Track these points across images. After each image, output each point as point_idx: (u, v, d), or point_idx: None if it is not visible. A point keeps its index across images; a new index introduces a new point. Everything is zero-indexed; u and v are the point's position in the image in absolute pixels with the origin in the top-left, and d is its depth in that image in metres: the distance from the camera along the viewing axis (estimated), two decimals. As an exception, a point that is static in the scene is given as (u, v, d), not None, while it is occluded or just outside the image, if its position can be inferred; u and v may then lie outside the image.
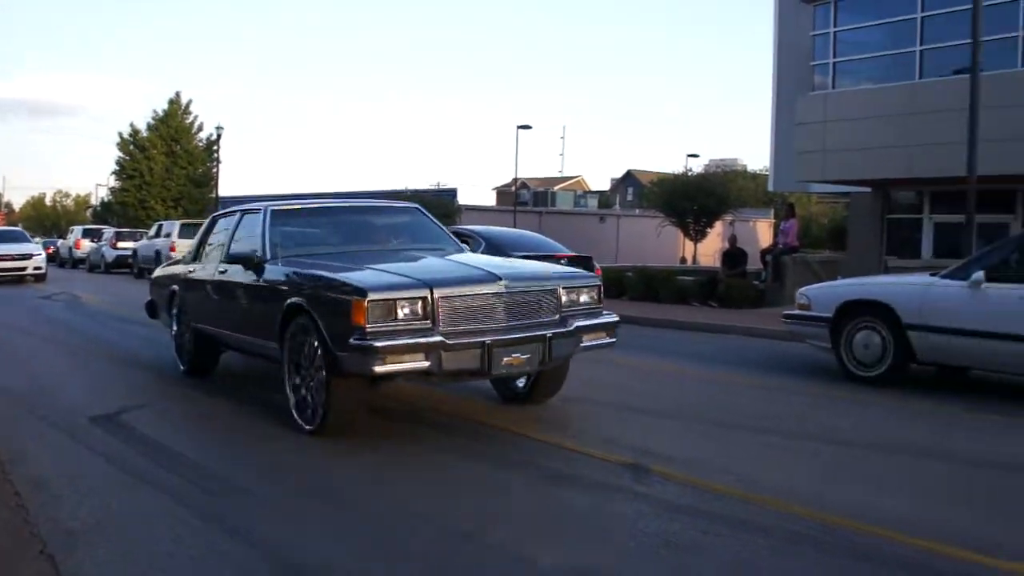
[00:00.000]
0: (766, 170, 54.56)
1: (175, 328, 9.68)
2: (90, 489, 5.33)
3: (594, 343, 6.91)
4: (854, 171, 19.85)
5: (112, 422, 7.15)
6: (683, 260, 39.21)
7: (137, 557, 4.27)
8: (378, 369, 5.89)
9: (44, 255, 27.76)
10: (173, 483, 5.48)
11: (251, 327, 7.67)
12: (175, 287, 9.62)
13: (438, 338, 6.01)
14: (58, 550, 4.27)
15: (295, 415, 6.75)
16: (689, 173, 41.60)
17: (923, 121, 17.80)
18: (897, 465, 6.21)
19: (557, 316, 6.67)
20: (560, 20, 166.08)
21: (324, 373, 6.34)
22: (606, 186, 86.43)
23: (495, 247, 12.59)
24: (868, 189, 21.72)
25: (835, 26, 20.21)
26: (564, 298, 6.76)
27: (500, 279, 6.46)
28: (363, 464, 6.02)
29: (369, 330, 5.90)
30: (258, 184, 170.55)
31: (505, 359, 6.23)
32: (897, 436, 7.08)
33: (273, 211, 8.01)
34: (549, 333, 6.47)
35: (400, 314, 6.01)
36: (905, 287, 9.32)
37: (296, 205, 8.76)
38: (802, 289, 10.61)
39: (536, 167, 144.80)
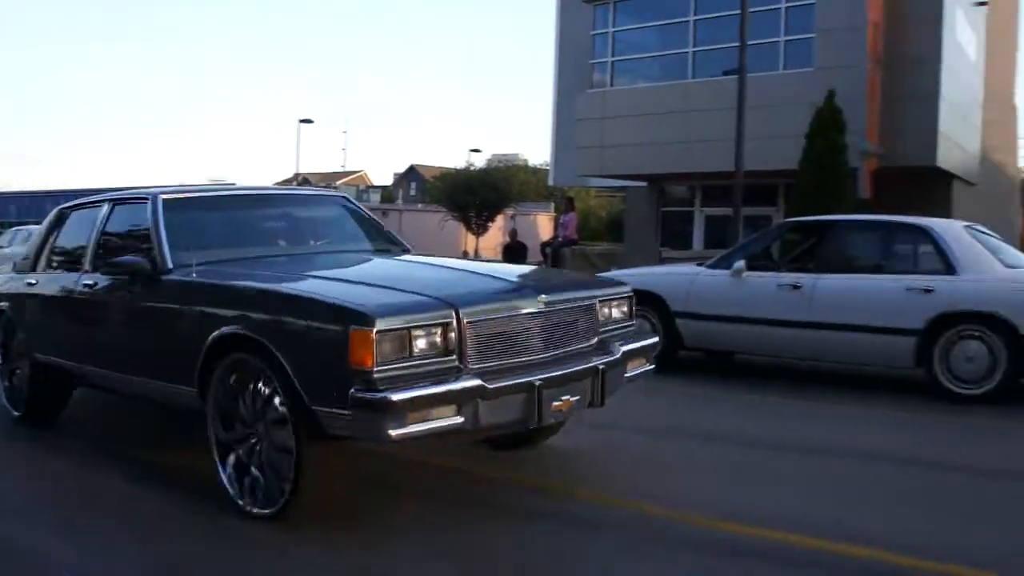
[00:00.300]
0: (547, 165, 55.89)
1: (0, 361, 7.13)
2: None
3: (638, 371, 5.33)
4: (630, 166, 20.63)
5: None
6: (465, 254, 39.57)
7: None
8: (395, 433, 3.94)
9: None
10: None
11: (144, 365, 5.36)
12: (1, 306, 7.08)
13: (475, 382, 4.16)
14: None
15: (232, 493, 4.56)
16: (471, 168, 42.05)
17: (695, 119, 18.73)
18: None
19: (595, 340, 4.99)
20: (342, 12, 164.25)
21: (290, 437, 4.29)
22: (389, 181, 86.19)
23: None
24: (644, 183, 22.60)
25: (613, 26, 20.90)
26: (601, 315, 5.12)
27: (536, 292, 4.70)
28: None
29: (377, 375, 3.95)
30: (45, 182, 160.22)
31: (554, 403, 4.49)
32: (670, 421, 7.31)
33: (167, 200, 5.67)
34: (601, 364, 4.80)
35: (416, 348, 4.11)
36: (674, 277, 9.62)
37: (196, 193, 6.47)
38: None
39: (318, 162, 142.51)
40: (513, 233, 22.42)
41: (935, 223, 8.52)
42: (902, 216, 9.02)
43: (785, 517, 4.50)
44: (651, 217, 22.74)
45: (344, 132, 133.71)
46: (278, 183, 62.27)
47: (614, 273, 10.66)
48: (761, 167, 16.86)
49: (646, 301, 9.40)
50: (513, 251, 21.59)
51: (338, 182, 64.95)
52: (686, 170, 19.80)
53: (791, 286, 8.55)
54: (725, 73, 16.61)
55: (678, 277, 9.56)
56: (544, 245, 21.90)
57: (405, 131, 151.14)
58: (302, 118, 41.66)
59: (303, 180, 52.78)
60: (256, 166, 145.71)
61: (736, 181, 15.47)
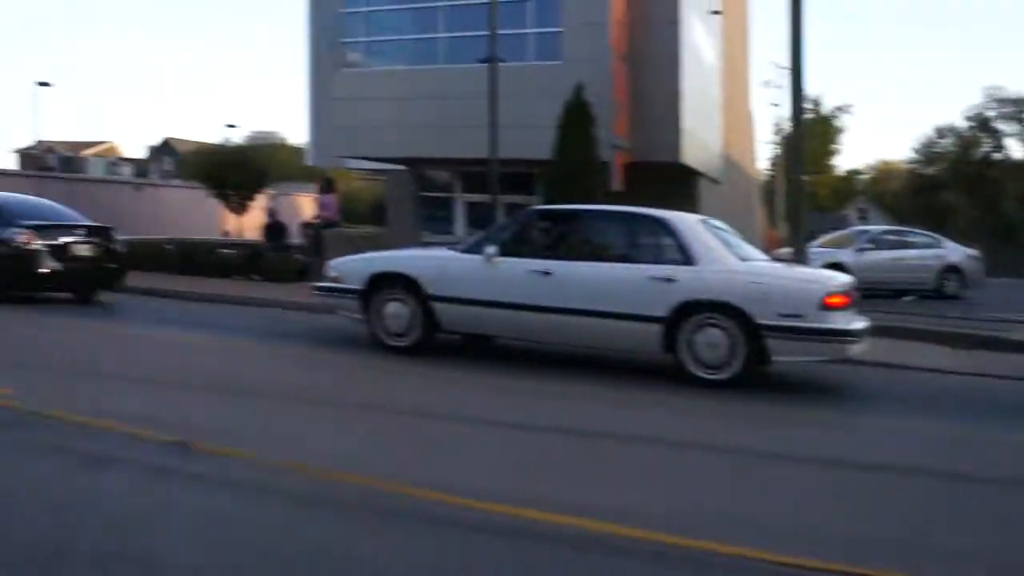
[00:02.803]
0: (306, 145, 55.03)
1: None
2: None
3: None
4: (387, 148, 20.65)
5: None
6: (226, 233, 38.48)
7: None
8: None
9: None
10: None
11: None
12: None
13: None
14: None
15: None
16: (229, 144, 40.91)
17: (450, 105, 18.93)
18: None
19: None
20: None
21: None
22: (143, 154, 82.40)
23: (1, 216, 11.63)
24: (404, 167, 22.68)
25: (367, 5, 20.76)
26: None
27: None
28: None
29: None
30: None
31: None
32: (428, 402, 7.54)
33: None
34: None
35: None
36: (428, 260, 9.84)
37: None
38: (332, 262, 10.72)
39: (63, 130, 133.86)
40: (272, 212, 22.01)
41: (672, 216, 9.02)
42: (642, 208, 9.44)
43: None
44: (412, 201, 22.86)
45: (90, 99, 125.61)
46: (17, 151, 58.22)
47: (369, 255, 10.75)
48: (516, 155, 17.23)
49: (401, 284, 9.59)
50: (274, 230, 21.22)
51: (85, 152, 61.54)
52: (442, 155, 20.00)
53: (542, 272, 8.90)
54: (479, 61, 16.89)
55: (432, 260, 9.77)
56: (305, 226, 21.62)
57: (159, 103, 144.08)
58: (40, 81, 39.04)
59: (48, 149, 49.69)
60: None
61: (491, 168, 15.84)
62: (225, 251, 20.56)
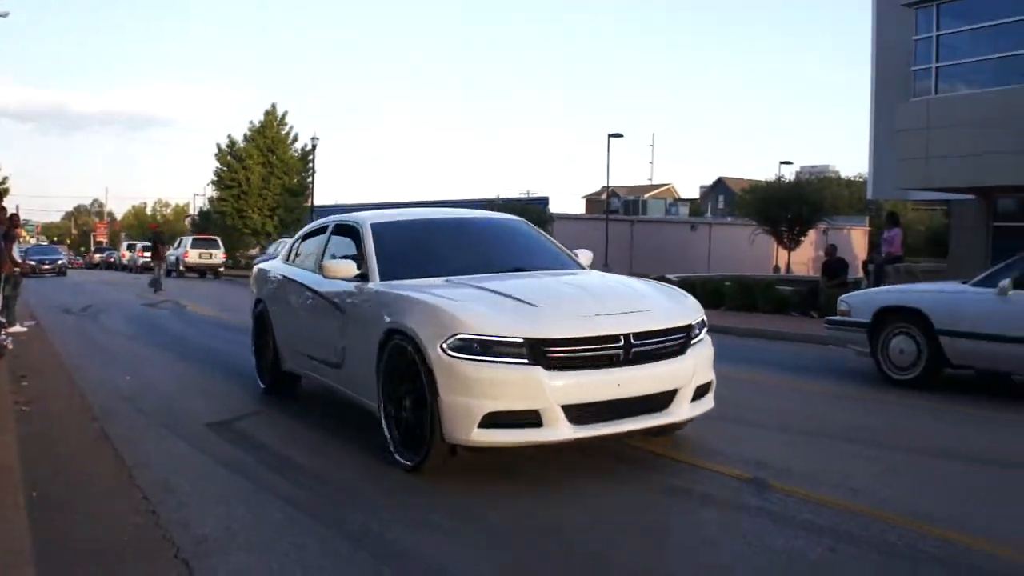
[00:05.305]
0: (860, 177, 53.67)
1: None
2: (216, 496, 5.46)
3: None
4: (958, 178, 19.29)
5: (229, 429, 7.30)
6: (776, 269, 38.69)
7: (269, 566, 4.33)
8: None
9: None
10: (294, 492, 5.56)
11: None
12: None
13: None
14: (191, 556, 4.38)
15: None
16: (781, 180, 41.10)
17: (1029, 126, 17.28)
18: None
19: None
20: (648, 27, 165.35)
21: None
22: (696, 194, 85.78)
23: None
24: (971, 196, 21.16)
25: (937, 29, 19.72)
26: None
27: None
28: (485, 483, 5.74)
29: None
30: (350, 193, 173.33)
31: None
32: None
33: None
34: None
35: None
36: (937, 295, 9.68)
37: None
38: (843, 296, 11.04)
39: (625, 175, 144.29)
40: (832, 249, 21.53)
41: None
42: None
43: None
44: (979, 232, 21.22)
45: (651, 145, 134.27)
46: (586, 196, 63.55)
47: (878, 289, 11.34)
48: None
49: (908, 318, 9.70)
50: (833, 267, 20.79)
51: (646, 195, 65.37)
52: (1019, 182, 18.33)
53: None
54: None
55: (942, 295, 9.66)
56: (867, 262, 21.04)
57: (712, 144, 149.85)
58: (612, 132, 42.22)
59: (612, 193, 53.61)
60: (566, 180, 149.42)
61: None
62: (783, 288, 20.53)
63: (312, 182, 51.38)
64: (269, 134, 52.03)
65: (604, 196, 48.85)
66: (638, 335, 5.71)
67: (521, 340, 5.44)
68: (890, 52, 22.43)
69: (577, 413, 5.48)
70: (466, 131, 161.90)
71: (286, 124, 52.99)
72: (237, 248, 51.16)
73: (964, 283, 9.65)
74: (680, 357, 5.98)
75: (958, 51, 19.83)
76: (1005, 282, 8.86)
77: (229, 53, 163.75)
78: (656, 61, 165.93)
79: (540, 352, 5.45)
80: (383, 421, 6.15)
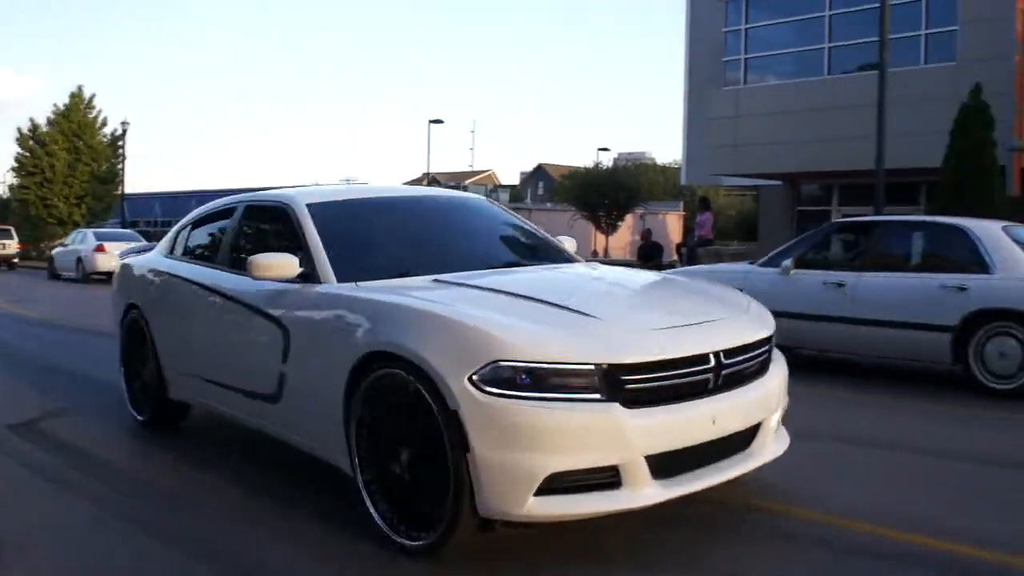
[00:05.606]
0: (675, 163, 55.42)
1: None
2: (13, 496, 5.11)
3: None
4: (766, 165, 20.35)
5: (31, 430, 6.74)
6: (595, 253, 39.65)
7: (70, 565, 4.10)
8: None
9: None
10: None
11: None
12: None
13: None
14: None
15: None
16: (600, 167, 42.08)
17: (832, 116, 18.35)
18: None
19: None
20: (470, 14, 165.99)
21: None
22: (517, 180, 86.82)
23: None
24: (778, 182, 22.27)
25: (747, 23, 20.65)
26: None
27: None
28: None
29: None
30: (164, 181, 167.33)
31: None
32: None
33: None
34: None
35: None
36: (724, 274, 9.70)
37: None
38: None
39: (446, 161, 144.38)
40: (647, 233, 22.27)
41: (973, 223, 8.75)
42: (943, 217, 9.52)
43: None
44: (786, 216, 22.39)
45: (472, 132, 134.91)
46: (407, 183, 63.29)
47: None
48: (903, 165, 16.42)
49: None
50: (648, 250, 21.51)
51: (467, 181, 65.72)
52: (824, 168, 19.41)
53: (836, 284, 9.01)
54: (861, 68, 16.23)
55: (730, 274, 9.72)
56: (680, 245, 21.82)
57: (532, 131, 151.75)
58: (432, 118, 42.26)
59: (432, 180, 53.64)
60: (386, 165, 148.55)
61: (877, 180, 15.13)
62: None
63: (123, 169, 49.17)
64: (75, 118, 49.12)
65: (425, 182, 48.79)
66: (728, 352, 4.14)
67: (592, 367, 3.74)
68: (703, 43, 23.34)
69: (660, 463, 3.84)
70: (286, 116, 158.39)
71: (94, 108, 50.26)
72: (42, 239, 48.36)
73: (751, 263, 10.13)
74: (764, 378, 4.46)
75: (766, 43, 20.85)
76: (787, 262, 9.36)
77: (30, 33, 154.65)
78: (477, 48, 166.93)
79: (616, 383, 3.77)
80: (362, 488, 4.20)
